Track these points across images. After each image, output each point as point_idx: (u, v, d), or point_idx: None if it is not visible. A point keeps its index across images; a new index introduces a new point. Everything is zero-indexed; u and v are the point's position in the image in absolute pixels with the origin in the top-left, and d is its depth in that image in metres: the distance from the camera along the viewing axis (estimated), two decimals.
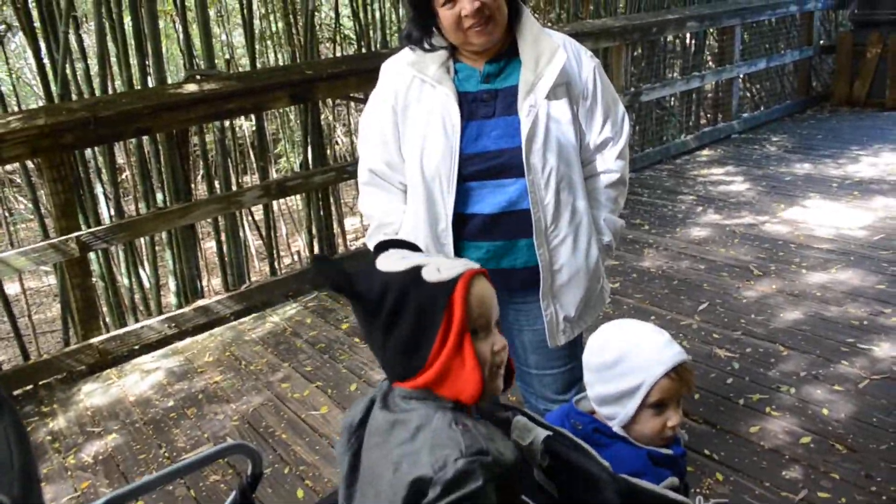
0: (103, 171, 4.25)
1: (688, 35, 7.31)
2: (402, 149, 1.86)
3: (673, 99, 7.29)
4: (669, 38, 7.22)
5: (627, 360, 1.33)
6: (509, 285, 1.85)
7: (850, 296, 3.58)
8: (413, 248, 1.18)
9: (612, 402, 1.35)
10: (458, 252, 1.83)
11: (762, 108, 7.83)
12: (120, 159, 5.91)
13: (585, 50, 1.90)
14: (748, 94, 8.23)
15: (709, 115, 7.84)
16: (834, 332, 3.24)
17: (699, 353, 3.15)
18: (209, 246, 5.82)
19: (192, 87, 3.67)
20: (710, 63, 7.62)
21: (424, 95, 1.80)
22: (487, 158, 1.77)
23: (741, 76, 7.28)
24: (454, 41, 1.76)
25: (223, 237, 4.70)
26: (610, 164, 1.90)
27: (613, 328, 1.40)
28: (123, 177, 6.45)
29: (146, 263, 4.65)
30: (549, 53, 1.76)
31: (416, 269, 1.04)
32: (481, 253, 1.83)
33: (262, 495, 2.53)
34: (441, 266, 1.04)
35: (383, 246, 1.17)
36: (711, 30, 7.24)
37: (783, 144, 6.58)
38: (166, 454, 2.85)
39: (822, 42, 8.11)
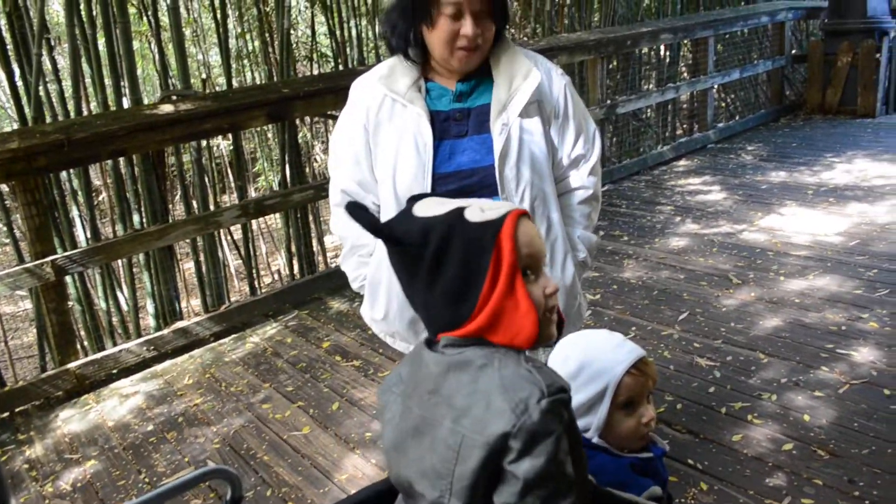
0: (79, 193, 4.21)
1: (662, 47, 7.41)
2: (375, 168, 1.85)
3: (649, 110, 7.38)
4: (644, 50, 7.31)
5: (588, 366, 1.36)
6: None
7: (829, 302, 3.61)
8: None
9: (583, 413, 1.36)
10: None
11: (737, 118, 7.92)
12: (96, 181, 5.87)
13: (556, 67, 1.90)
14: (723, 105, 8.33)
15: (685, 126, 7.93)
16: (813, 339, 3.26)
17: (680, 362, 3.16)
18: (188, 267, 5.78)
19: (167, 108, 3.65)
20: (685, 74, 7.71)
21: (396, 115, 1.78)
22: (461, 178, 1.77)
23: (715, 87, 7.37)
24: (437, 54, 1.74)
25: (202, 257, 4.67)
26: (583, 181, 1.90)
27: (570, 341, 1.43)
28: (100, 199, 6.41)
29: (124, 286, 4.61)
30: (524, 73, 1.76)
31: (459, 210, 0.99)
32: None
33: None
34: (484, 206, 0.99)
35: (417, 197, 1.12)
36: (685, 41, 7.33)
37: (758, 153, 6.65)
38: (146, 479, 2.81)
39: (793, 52, 8.23)
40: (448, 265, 0.96)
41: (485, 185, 1.76)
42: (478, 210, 0.98)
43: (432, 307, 1.00)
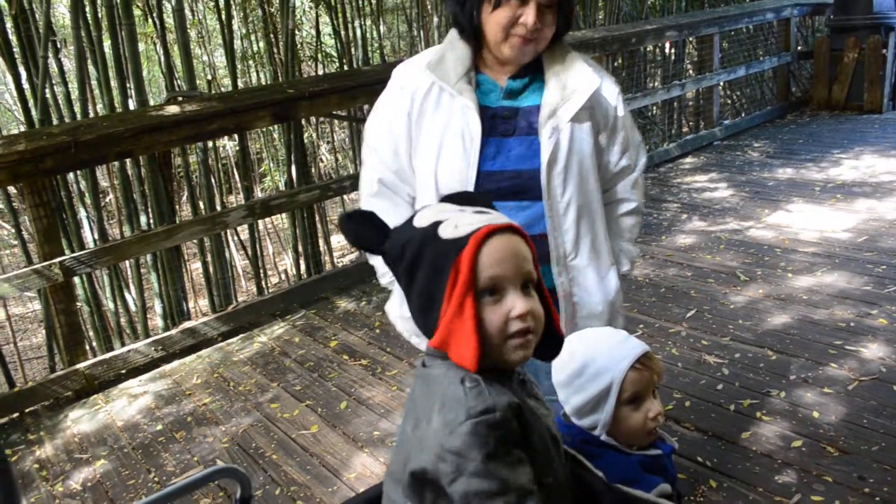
0: (86, 195, 4.23)
1: (667, 44, 7.39)
2: (413, 159, 1.77)
3: (655, 108, 7.36)
4: (649, 47, 7.29)
5: (592, 363, 1.36)
6: None
7: (837, 298, 3.59)
8: (476, 200, 1.11)
9: (589, 411, 1.36)
10: None
11: (743, 115, 7.90)
12: (104, 183, 5.89)
13: (608, 74, 1.83)
14: (729, 102, 8.31)
15: (691, 123, 7.91)
16: (822, 335, 3.25)
17: (689, 360, 3.15)
18: (195, 267, 5.80)
19: (173, 109, 3.66)
20: (690, 71, 7.69)
21: (443, 104, 1.70)
22: (505, 178, 1.69)
23: (721, 84, 7.35)
24: (491, 38, 1.64)
25: (209, 258, 4.69)
26: (627, 193, 1.85)
27: (573, 340, 1.43)
28: (107, 200, 6.43)
29: (132, 287, 4.63)
30: (579, 77, 1.69)
31: (435, 225, 0.99)
32: None
33: None
34: (461, 222, 0.98)
35: (449, 198, 1.13)
36: (690, 39, 7.32)
37: (765, 150, 6.63)
38: (155, 479, 2.81)
39: (799, 48, 8.20)
40: (418, 279, 0.98)
41: (528, 189, 1.69)
42: (452, 226, 0.97)
43: (412, 315, 1.03)
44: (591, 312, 1.79)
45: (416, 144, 1.75)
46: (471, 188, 1.66)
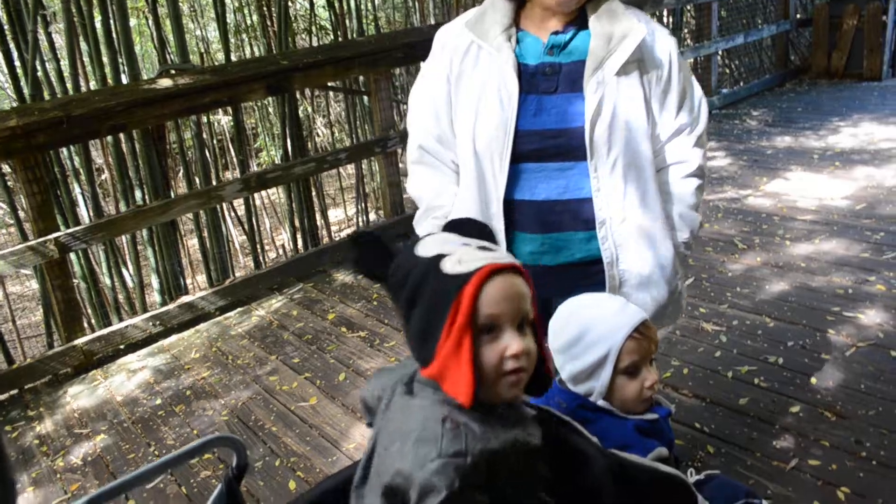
0: (81, 171, 4.20)
1: (665, 12, 7.30)
2: (455, 123, 1.70)
3: None
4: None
5: (590, 331, 1.34)
6: (566, 284, 1.62)
7: (835, 265, 3.59)
8: (479, 230, 1.11)
9: (585, 378, 1.35)
10: (510, 243, 1.68)
11: (741, 84, 7.84)
12: (99, 160, 5.85)
13: (661, 27, 1.71)
14: (727, 70, 8.23)
15: None
16: (820, 302, 3.25)
17: (686, 328, 3.15)
18: (192, 243, 5.77)
19: (166, 83, 3.62)
20: (688, 40, 7.61)
21: (481, 63, 1.63)
22: (546, 137, 1.60)
23: (719, 52, 7.28)
24: None
25: (205, 233, 4.67)
26: (686, 154, 1.69)
27: (570, 306, 1.41)
28: (103, 178, 6.39)
29: (129, 263, 4.61)
30: (625, 28, 1.58)
31: (438, 259, 0.99)
32: (535, 246, 1.67)
33: (254, 488, 2.51)
34: (464, 258, 0.98)
35: (452, 225, 1.13)
36: (688, 7, 7.23)
37: (763, 118, 6.59)
38: (155, 452, 2.82)
39: (798, 15, 8.12)
40: (417, 311, 0.99)
41: (571, 149, 1.59)
42: (455, 261, 0.98)
43: (408, 340, 1.04)
44: (641, 282, 1.67)
45: (456, 107, 1.68)
46: (508, 150, 1.59)
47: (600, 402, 1.35)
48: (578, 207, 1.63)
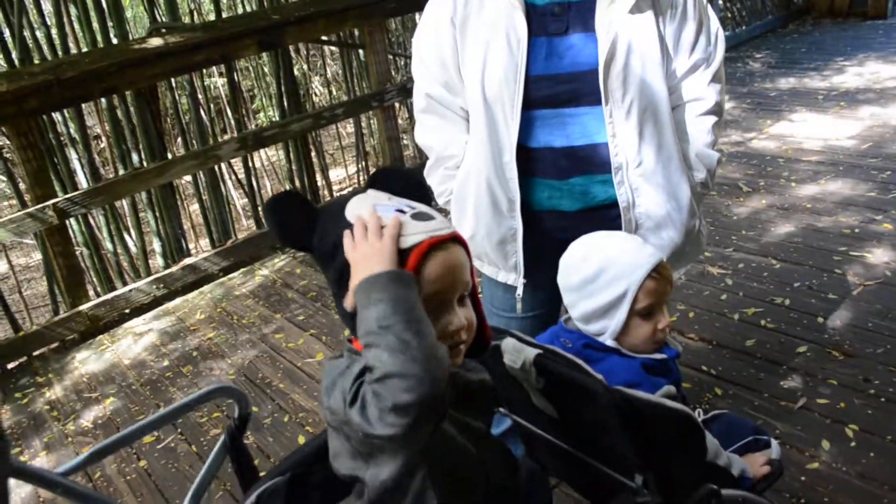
0: (77, 139, 4.16)
1: None
2: (462, 69, 1.62)
3: None
4: None
5: (609, 269, 1.30)
6: (584, 229, 1.53)
7: (841, 206, 3.55)
8: (406, 182, 1.04)
9: (599, 317, 1.32)
10: (526, 191, 1.62)
11: (743, 27, 7.68)
12: (97, 129, 5.80)
13: None
14: (729, 14, 8.06)
15: None
16: (826, 242, 3.22)
17: (691, 272, 3.12)
18: (194, 209, 5.75)
19: (156, 42, 3.55)
20: None
21: (486, 5, 1.56)
22: (558, 82, 1.54)
23: None
24: None
25: (205, 196, 4.64)
26: (702, 91, 1.61)
27: (586, 243, 1.37)
28: (101, 147, 6.35)
29: (130, 228, 4.60)
30: None
31: None
32: (553, 191, 1.62)
33: (264, 444, 2.53)
34: (405, 230, 0.92)
35: (375, 178, 1.05)
36: None
37: (766, 60, 6.47)
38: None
39: None
40: (348, 284, 0.91)
41: (585, 94, 1.53)
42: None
43: (340, 314, 0.97)
44: (659, 224, 1.64)
45: (463, 52, 1.61)
46: (519, 96, 1.53)
47: (609, 343, 1.32)
48: (595, 153, 1.58)
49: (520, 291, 1.72)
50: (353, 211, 0.95)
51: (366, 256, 0.89)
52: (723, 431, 1.42)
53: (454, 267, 0.94)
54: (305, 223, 0.97)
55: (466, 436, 1.00)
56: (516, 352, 1.23)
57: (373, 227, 0.91)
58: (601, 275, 1.30)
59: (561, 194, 1.62)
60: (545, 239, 1.62)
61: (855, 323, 2.64)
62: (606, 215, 1.63)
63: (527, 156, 1.59)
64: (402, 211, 0.95)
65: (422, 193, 1.05)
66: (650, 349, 1.35)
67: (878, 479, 1.98)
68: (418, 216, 0.95)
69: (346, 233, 0.92)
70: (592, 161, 1.58)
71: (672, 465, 1.18)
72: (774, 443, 1.44)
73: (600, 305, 1.31)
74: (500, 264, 1.74)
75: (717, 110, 1.64)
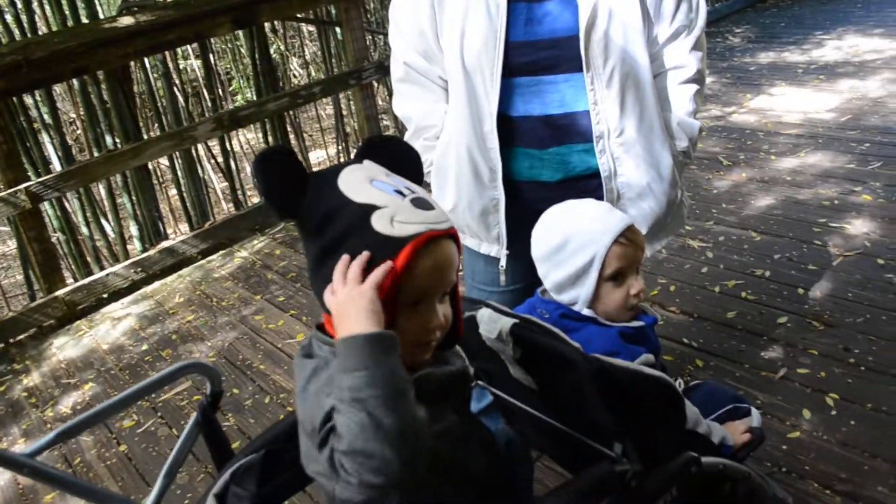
0: (49, 123, 4.08)
1: None
2: (440, 37, 1.59)
3: None
4: None
5: (575, 237, 1.29)
6: (565, 199, 1.51)
7: (821, 178, 3.55)
8: (402, 155, 1.00)
9: (570, 286, 1.31)
10: (507, 160, 1.60)
11: (723, 1, 7.66)
12: (71, 114, 5.71)
13: None
14: None
15: None
16: (806, 214, 3.22)
17: (671, 246, 3.12)
18: (173, 193, 5.68)
19: (127, 20, 3.48)
20: None
21: None
22: (538, 48, 1.51)
23: None
24: None
25: (183, 180, 4.58)
26: (684, 59, 1.59)
27: (553, 212, 1.36)
28: (77, 133, 6.25)
29: (108, 213, 4.53)
30: None
31: (369, 210, 0.87)
32: (534, 161, 1.61)
33: (245, 425, 2.51)
34: (398, 215, 0.87)
35: (368, 146, 0.99)
36: None
37: (746, 35, 6.47)
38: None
39: None
40: (332, 264, 0.86)
41: (566, 60, 1.50)
42: (388, 218, 0.86)
43: (315, 292, 0.92)
44: (640, 194, 1.62)
45: (441, 20, 1.57)
46: (499, 64, 1.50)
47: (585, 311, 1.31)
48: (575, 121, 1.56)
49: (503, 263, 1.71)
50: (347, 182, 0.90)
51: (343, 306, 0.83)
52: (703, 400, 1.41)
53: (446, 265, 0.90)
54: (295, 183, 0.90)
55: (441, 440, 0.94)
56: (492, 322, 1.21)
57: (353, 274, 0.84)
58: (568, 243, 1.30)
59: (542, 164, 1.60)
60: (526, 210, 1.59)
61: (835, 293, 2.65)
62: (587, 185, 1.61)
63: (507, 125, 1.57)
64: (400, 193, 0.90)
65: (415, 171, 1.00)
66: (625, 316, 1.34)
67: (859, 447, 1.99)
68: (417, 202, 0.89)
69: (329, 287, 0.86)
70: (572, 130, 1.56)
71: (651, 433, 1.17)
72: (755, 411, 1.44)
73: (570, 273, 1.30)
74: (482, 235, 1.72)
75: (698, 78, 1.62)
